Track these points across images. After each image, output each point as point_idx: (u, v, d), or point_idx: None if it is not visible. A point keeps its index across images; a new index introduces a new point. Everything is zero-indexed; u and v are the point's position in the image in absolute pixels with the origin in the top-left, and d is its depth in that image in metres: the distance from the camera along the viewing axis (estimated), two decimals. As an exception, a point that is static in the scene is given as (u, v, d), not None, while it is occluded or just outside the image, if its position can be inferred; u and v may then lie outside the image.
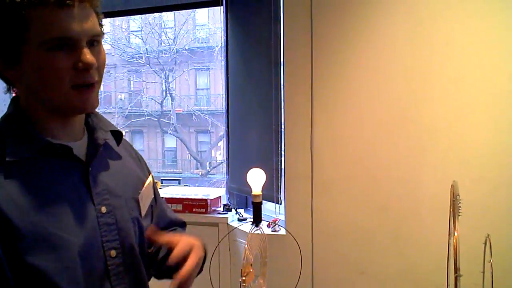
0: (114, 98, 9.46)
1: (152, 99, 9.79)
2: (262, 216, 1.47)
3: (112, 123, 0.97)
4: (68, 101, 0.82)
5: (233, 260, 2.33)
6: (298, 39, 2.08)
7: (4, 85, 0.87)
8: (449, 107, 1.86)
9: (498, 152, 1.80)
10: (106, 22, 0.91)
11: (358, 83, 2.00)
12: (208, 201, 2.43)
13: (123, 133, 0.97)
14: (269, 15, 2.24)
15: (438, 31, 1.86)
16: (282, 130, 2.21)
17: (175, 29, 9.43)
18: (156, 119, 9.67)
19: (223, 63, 2.65)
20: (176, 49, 9.27)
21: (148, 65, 9.09)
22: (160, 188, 2.65)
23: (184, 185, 2.90)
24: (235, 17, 2.54)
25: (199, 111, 9.68)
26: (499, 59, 1.79)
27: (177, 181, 3.01)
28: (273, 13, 2.22)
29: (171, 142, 10.70)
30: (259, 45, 2.38)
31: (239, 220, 2.42)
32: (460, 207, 1.22)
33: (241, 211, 2.49)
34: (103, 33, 0.86)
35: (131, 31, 8.67)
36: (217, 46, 8.54)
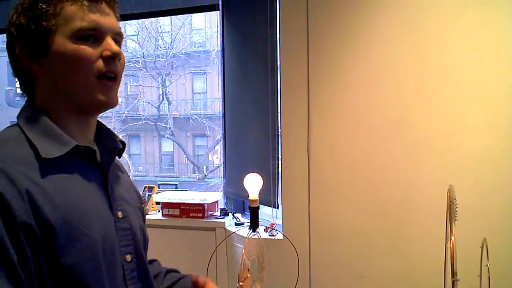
0: (110, 102, 9.43)
1: (149, 103, 9.79)
2: (259, 220, 1.47)
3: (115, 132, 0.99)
4: (91, 92, 0.83)
5: (231, 265, 2.32)
6: (294, 43, 2.09)
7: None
8: (445, 111, 1.87)
9: (494, 157, 1.81)
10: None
11: (354, 87, 2.01)
12: (205, 205, 2.43)
13: (125, 144, 0.99)
14: (265, 20, 2.25)
15: (434, 37, 1.87)
16: (279, 134, 2.21)
17: (171, 34, 9.44)
18: (153, 123, 9.67)
19: (219, 67, 2.66)
20: (173, 53, 9.29)
21: (144, 69, 9.10)
22: (157, 193, 2.65)
23: (181, 190, 2.90)
24: (231, 21, 2.54)
25: (196, 115, 9.69)
26: (495, 64, 1.80)
27: (174, 186, 3.01)
28: (269, 18, 2.23)
29: (168, 146, 10.70)
30: (256, 49, 2.38)
31: (236, 224, 2.41)
32: (456, 211, 1.22)
33: (238, 215, 2.49)
34: (123, 39, 0.91)
35: (128, 36, 8.68)
36: (213, 50, 8.56)
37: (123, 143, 0.96)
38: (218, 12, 2.57)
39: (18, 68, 0.85)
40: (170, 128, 9.49)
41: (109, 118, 8.66)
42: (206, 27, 9.53)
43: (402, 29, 1.92)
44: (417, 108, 1.91)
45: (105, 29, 0.83)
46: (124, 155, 1.01)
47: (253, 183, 1.44)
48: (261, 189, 1.47)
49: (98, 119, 0.94)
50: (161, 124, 9.61)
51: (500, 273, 1.42)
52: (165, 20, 9.18)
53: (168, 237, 2.43)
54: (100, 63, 0.83)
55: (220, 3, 2.54)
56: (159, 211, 2.56)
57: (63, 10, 0.81)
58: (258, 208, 1.45)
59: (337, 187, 2.05)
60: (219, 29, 2.62)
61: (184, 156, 10.18)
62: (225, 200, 2.64)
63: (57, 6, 0.81)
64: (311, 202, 2.08)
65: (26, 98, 0.88)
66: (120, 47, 0.88)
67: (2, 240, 0.69)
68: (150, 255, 1.02)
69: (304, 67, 2.06)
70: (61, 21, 0.81)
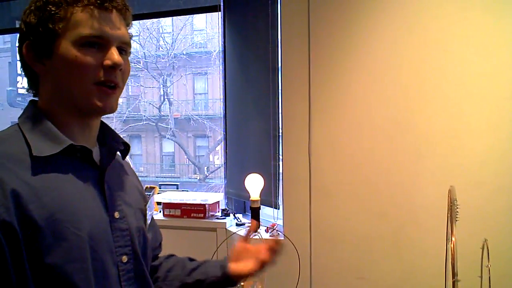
0: (112, 103, 9.44)
1: (150, 103, 9.79)
2: (260, 221, 1.47)
3: (120, 135, 0.99)
4: (89, 98, 0.84)
5: (231, 265, 2.32)
6: (295, 44, 2.09)
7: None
8: (447, 112, 1.87)
9: (495, 158, 1.81)
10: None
11: (355, 88, 2.01)
12: (206, 206, 2.43)
13: (129, 145, 0.99)
14: (266, 21, 2.25)
15: (437, 38, 1.87)
16: (280, 135, 2.21)
17: (173, 34, 9.45)
18: (154, 124, 9.67)
19: (221, 68, 2.66)
20: (174, 54, 9.29)
21: (146, 70, 9.10)
22: (158, 193, 2.65)
23: (182, 190, 2.90)
24: (232, 22, 2.55)
25: (197, 115, 9.69)
26: (497, 65, 1.80)
27: (175, 186, 3.01)
28: (270, 19, 2.23)
29: (169, 146, 10.70)
30: (257, 50, 2.39)
31: (237, 225, 2.41)
32: (457, 212, 1.22)
33: (239, 216, 2.49)
34: (131, 47, 0.91)
35: (129, 36, 8.65)
36: (214, 51, 8.56)
37: (127, 145, 0.96)
38: (220, 13, 2.57)
39: (24, 65, 0.87)
40: (171, 128, 9.49)
41: (110, 119, 8.64)
42: (207, 28, 9.54)
43: (404, 30, 1.92)
44: (419, 109, 1.91)
45: (111, 38, 0.84)
46: (125, 155, 1.01)
47: (254, 183, 1.45)
48: (262, 189, 1.47)
49: (102, 119, 0.94)
50: (162, 124, 9.61)
51: (501, 273, 1.42)
52: (166, 21, 9.18)
53: (169, 237, 2.40)
54: (100, 72, 0.83)
55: (222, 4, 2.55)
56: (160, 212, 2.56)
57: (73, 16, 0.82)
58: (259, 208, 1.45)
59: (338, 187, 2.05)
60: (220, 30, 2.63)
61: (185, 156, 10.18)
62: (226, 201, 2.64)
63: (67, 10, 0.82)
64: (312, 203, 2.08)
65: (31, 98, 0.89)
66: (127, 56, 0.89)
67: None
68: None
69: (305, 68, 2.06)
70: (69, 26, 0.82)
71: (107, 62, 0.83)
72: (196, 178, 9.65)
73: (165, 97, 9.57)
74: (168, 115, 9.52)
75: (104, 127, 0.96)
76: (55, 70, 0.84)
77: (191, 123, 9.62)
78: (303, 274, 1.90)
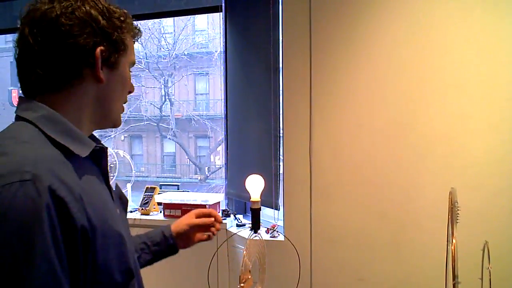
0: (113, 103, 9.44)
1: (151, 104, 9.81)
2: (260, 222, 1.47)
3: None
4: (118, 115, 0.91)
5: (232, 266, 2.32)
6: (297, 45, 2.09)
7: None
8: (448, 113, 1.87)
9: (496, 159, 1.80)
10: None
11: (357, 89, 2.01)
12: (207, 206, 2.43)
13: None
14: (268, 21, 2.25)
15: (438, 39, 1.87)
16: (281, 135, 2.21)
17: (174, 34, 9.46)
18: (155, 124, 9.68)
19: (222, 68, 2.66)
20: (175, 54, 9.31)
21: (147, 70, 9.11)
22: (158, 194, 2.65)
23: (183, 191, 2.90)
24: (234, 22, 2.55)
25: (198, 116, 9.70)
26: (498, 66, 1.80)
27: (176, 186, 3.00)
28: (272, 19, 2.23)
29: (170, 147, 10.71)
30: (258, 50, 2.39)
31: (237, 226, 2.41)
32: (458, 214, 1.22)
33: (240, 216, 2.49)
34: None
35: (131, 36, 8.66)
36: (216, 52, 8.57)
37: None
38: (221, 13, 2.57)
39: (64, 59, 0.79)
40: (172, 129, 9.50)
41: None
42: (208, 28, 9.55)
43: (406, 31, 1.92)
44: (420, 110, 1.91)
45: None
46: (126, 155, 1.01)
47: (255, 184, 1.44)
48: (263, 190, 1.47)
49: None
50: (163, 125, 9.63)
51: (502, 276, 1.41)
52: (167, 21, 9.20)
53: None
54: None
55: (223, 4, 2.55)
56: (160, 212, 2.56)
57: (128, 41, 0.88)
58: (260, 209, 1.45)
59: (339, 189, 2.04)
60: (221, 31, 2.63)
61: (186, 157, 10.19)
62: (227, 201, 2.64)
63: (127, 36, 0.87)
64: (312, 204, 2.08)
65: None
66: None
67: (59, 252, 0.67)
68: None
69: (306, 68, 2.06)
70: (128, 48, 0.88)
71: (132, 89, 0.93)
72: (197, 179, 9.65)
73: (166, 97, 9.58)
74: (169, 116, 9.53)
75: None
76: (109, 83, 0.85)
77: (192, 124, 9.63)
78: (303, 275, 1.89)
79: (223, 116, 2.65)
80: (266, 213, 2.34)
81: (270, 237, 2.19)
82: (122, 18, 0.85)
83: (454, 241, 1.18)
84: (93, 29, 0.80)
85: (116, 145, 9.51)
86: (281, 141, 2.20)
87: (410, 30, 1.91)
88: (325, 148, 2.06)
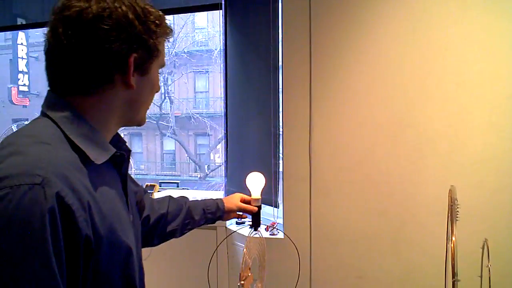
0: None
1: (151, 101, 9.79)
2: (260, 219, 1.47)
3: None
4: (143, 114, 0.90)
5: (232, 264, 2.32)
6: (296, 43, 2.09)
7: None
8: (448, 111, 1.87)
9: (496, 157, 1.80)
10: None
11: (357, 87, 2.00)
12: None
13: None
14: (267, 19, 2.25)
15: (438, 37, 1.87)
16: (281, 133, 2.21)
17: (174, 32, 9.45)
18: (155, 122, 9.68)
19: (222, 66, 2.66)
20: (175, 52, 9.30)
21: (147, 68, 9.09)
22: (158, 191, 2.65)
23: (183, 188, 2.90)
24: (234, 20, 2.54)
25: (198, 114, 9.71)
26: (498, 64, 1.80)
27: (176, 184, 3.01)
28: (271, 17, 2.23)
29: (169, 145, 10.72)
30: (258, 48, 2.38)
31: (237, 223, 2.41)
32: (458, 211, 1.22)
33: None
34: None
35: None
36: (216, 49, 8.56)
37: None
38: (221, 11, 2.57)
39: (97, 64, 0.77)
40: (172, 126, 9.51)
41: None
42: (208, 26, 9.54)
43: (406, 30, 1.91)
44: (419, 108, 1.91)
45: None
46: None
47: (255, 182, 1.44)
48: (263, 188, 1.47)
49: None
50: (163, 122, 9.63)
51: (501, 273, 1.42)
52: (167, 19, 9.18)
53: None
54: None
55: (223, 2, 2.55)
56: (160, 210, 2.56)
57: (161, 46, 0.87)
58: (260, 207, 1.45)
59: (338, 186, 2.05)
60: (221, 28, 2.62)
61: (186, 154, 10.20)
62: (227, 199, 2.64)
63: (161, 41, 0.86)
64: (312, 202, 2.08)
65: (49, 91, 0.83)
66: None
67: (60, 259, 0.66)
68: (150, 253, 1.04)
69: (306, 66, 2.06)
70: (160, 54, 0.87)
71: (159, 89, 0.93)
72: (197, 176, 9.66)
73: (166, 95, 9.58)
74: (169, 113, 9.53)
75: None
76: (140, 88, 0.83)
77: (192, 121, 9.64)
78: (303, 272, 1.90)
79: (223, 114, 2.65)
80: (266, 211, 2.34)
81: (270, 234, 2.20)
82: (157, 22, 0.83)
83: (453, 238, 1.18)
84: (128, 35, 0.78)
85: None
86: (281, 139, 2.20)
87: (410, 28, 1.91)
88: (324, 146, 2.06)
